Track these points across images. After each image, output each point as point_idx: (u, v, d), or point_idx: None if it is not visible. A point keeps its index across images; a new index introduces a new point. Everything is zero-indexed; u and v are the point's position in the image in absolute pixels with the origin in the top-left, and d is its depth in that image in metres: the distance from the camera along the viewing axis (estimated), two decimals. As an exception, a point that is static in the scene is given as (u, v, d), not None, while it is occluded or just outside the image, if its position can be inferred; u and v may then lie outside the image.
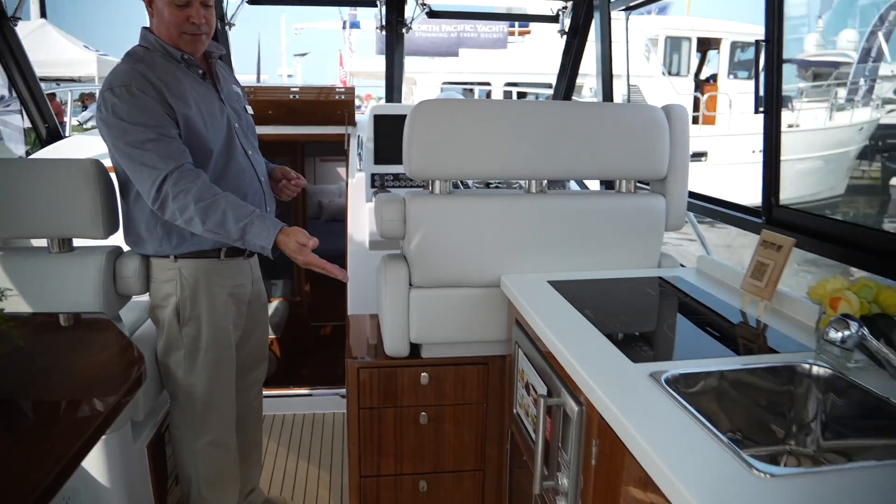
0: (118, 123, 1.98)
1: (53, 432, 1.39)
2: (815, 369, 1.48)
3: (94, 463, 2.09)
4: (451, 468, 2.44)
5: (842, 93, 20.93)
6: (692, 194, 2.54)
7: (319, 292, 4.92)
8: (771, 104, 2.31)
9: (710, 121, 15.08)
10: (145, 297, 2.29)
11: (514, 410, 2.11)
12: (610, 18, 3.66)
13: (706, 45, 17.21)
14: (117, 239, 2.25)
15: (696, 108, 14.67)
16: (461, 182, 3.03)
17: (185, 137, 2.05)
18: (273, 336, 4.05)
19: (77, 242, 2.29)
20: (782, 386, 1.50)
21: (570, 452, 1.57)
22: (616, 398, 1.33)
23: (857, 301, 1.43)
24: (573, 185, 3.67)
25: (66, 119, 8.13)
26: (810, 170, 16.52)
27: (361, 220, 3.35)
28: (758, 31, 2.35)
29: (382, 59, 4.32)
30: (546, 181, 2.36)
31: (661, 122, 2.29)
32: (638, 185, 2.41)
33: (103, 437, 1.79)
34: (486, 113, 2.21)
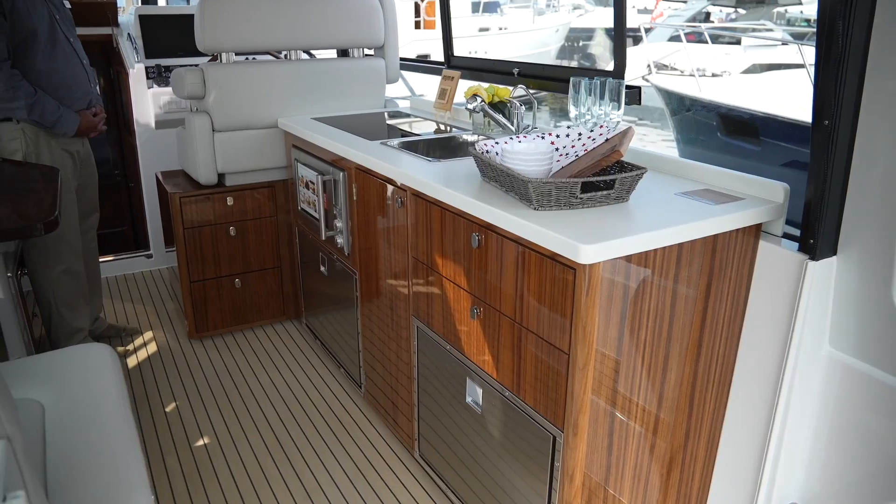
0: None
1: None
2: (470, 137, 2.66)
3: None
4: (257, 267, 3.38)
5: (542, 0, 23.80)
6: (402, 58, 3.64)
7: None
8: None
9: (430, 25, 16.45)
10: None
11: (299, 207, 3.09)
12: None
13: (421, -45, 18.40)
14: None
15: (417, 13, 16.03)
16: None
17: (11, 22, 2.61)
18: None
19: None
20: (452, 145, 2.66)
21: (340, 202, 2.61)
22: (365, 154, 2.36)
23: (486, 93, 2.60)
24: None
25: None
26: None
27: (145, 104, 3.99)
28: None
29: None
30: (301, 52, 3.30)
31: (376, 6, 3.32)
32: (365, 53, 3.44)
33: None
34: (256, 2, 3.05)
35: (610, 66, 2.51)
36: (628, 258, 1.50)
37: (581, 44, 27.65)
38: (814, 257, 1.59)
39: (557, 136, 1.96)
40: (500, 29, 19.41)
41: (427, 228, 2.04)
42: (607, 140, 1.83)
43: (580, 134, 1.94)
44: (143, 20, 4.06)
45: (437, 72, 3.42)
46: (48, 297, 3.01)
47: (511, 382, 1.77)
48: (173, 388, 2.99)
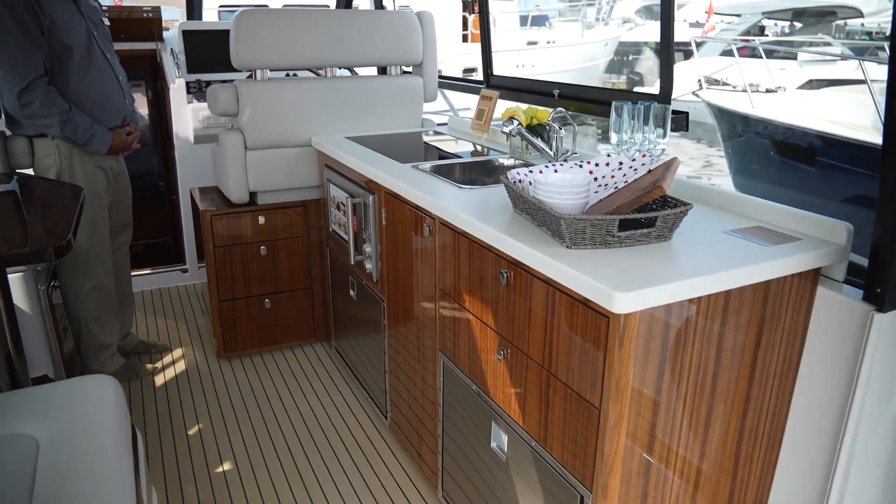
0: None
1: None
2: (507, 161, 2.55)
3: (17, 300, 2.66)
4: (287, 288, 3.31)
5: (591, 13, 23.56)
6: (441, 76, 3.54)
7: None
8: (484, 15, 3.31)
9: (477, 38, 16.43)
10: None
11: (331, 229, 3.01)
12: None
13: (471, -31, 18.42)
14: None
15: (465, 27, 16.01)
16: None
17: (48, 38, 2.60)
18: None
19: None
20: (487, 168, 2.54)
21: (370, 226, 2.52)
22: (395, 179, 2.26)
23: (523, 115, 2.48)
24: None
25: None
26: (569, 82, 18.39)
27: (185, 118, 3.98)
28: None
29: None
30: (337, 69, 3.23)
31: (415, 23, 3.23)
32: (403, 70, 3.35)
33: (20, 275, 2.47)
34: (292, 18, 3.00)
35: (657, 86, 2.36)
36: (669, 306, 1.36)
37: (630, 58, 27.28)
38: (881, 308, 1.43)
39: (597, 165, 1.83)
40: (548, 42, 19.25)
41: (455, 260, 1.93)
42: (650, 171, 1.69)
43: (621, 163, 1.81)
44: (187, 35, 4.07)
45: (475, 91, 3.32)
46: (78, 313, 2.99)
47: (537, 432, 1.64)
48: (197, 409, 2.93)
